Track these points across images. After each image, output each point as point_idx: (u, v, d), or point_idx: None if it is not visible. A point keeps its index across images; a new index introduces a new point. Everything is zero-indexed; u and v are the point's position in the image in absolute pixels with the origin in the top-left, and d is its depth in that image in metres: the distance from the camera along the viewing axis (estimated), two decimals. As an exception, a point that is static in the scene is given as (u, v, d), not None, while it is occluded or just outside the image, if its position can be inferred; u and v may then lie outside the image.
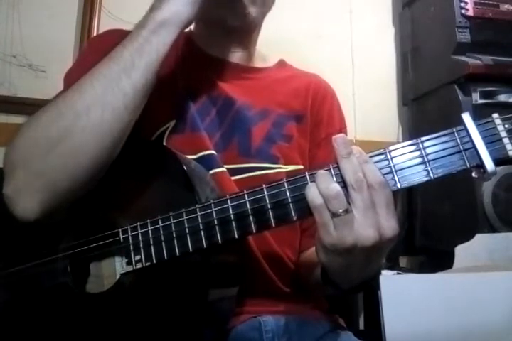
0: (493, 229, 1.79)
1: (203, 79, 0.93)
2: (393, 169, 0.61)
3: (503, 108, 1.96)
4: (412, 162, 0.61)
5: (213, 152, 0.86)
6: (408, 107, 2.41)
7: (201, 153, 0.85)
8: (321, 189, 0.61)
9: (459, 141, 0.60)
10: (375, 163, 0.61)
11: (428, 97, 2.25)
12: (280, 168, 0.90)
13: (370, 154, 0.62)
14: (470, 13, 2.04)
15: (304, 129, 0.97)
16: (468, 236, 1.56)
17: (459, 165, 0.59)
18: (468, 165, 0.59)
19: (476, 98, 1.97)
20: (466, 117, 0.60)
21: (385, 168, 0.61)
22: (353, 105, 2.02)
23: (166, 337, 0.69)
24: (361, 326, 1.56)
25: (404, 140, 2.38)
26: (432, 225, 2.10)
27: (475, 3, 2.05)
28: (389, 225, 0.60)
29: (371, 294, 1.33)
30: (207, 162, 0.84)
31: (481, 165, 0.59)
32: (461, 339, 1.26)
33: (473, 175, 0.60)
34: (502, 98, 1.98)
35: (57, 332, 0.73)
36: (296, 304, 0.89)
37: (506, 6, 2.08)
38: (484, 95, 1.98)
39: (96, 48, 0.92)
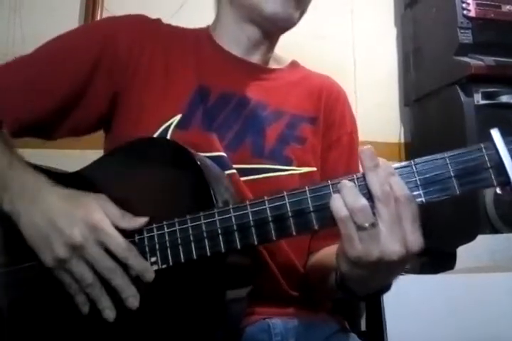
0: (495, 230, 1.78)
1: (219, 77, 0.93)
2: (419, 183, 0.61)
3: (505, 109, 1.96)
4: (438, 177, 0.60)
5: (223, 154, 0.85)
6: (410, 108, 2.41)
7: (209, 154, 0.84)
8: (347, 202, 0.60)
9: (486, 158, 0.59)
10: (400, 175, 0.61)
11: (430, 98, 2.24)
12: (293, 170, 0.90)
13: (395, 166, 0.62)
14: (472, 13, 2.04)
15: (317, 131, 0.97)
16: (470, 238, 1.56)
17: (486, 182, 0.59)
18: (495, 183, 0.59)
19: (478, 99, 1.97)
20: (495, 133, 0.59)
21: (410, 182, 0.61)
22: (355, 105, 2.02)
23: (179, 338, 0.69)
24: (363, 327, 1.55)
25: (406, 141, 2.39)
26: (434, 226, 2.09)
27: (477, 4, 2.05)
28: (415, 239, 0.60)
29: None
30: (216, 164, 0.83)
31: (508, 183, 0.58)
32: (463, 340, 1.26)
33: (498, 191, 0.60)
34: (504, 99, 1.97)
35: (68, 331, 0.73)
36: (304, 307, 0.89)
37: (508, 6, 2.07)
38: (486, 96, 1.97)
39: (87, 38, 0.92)
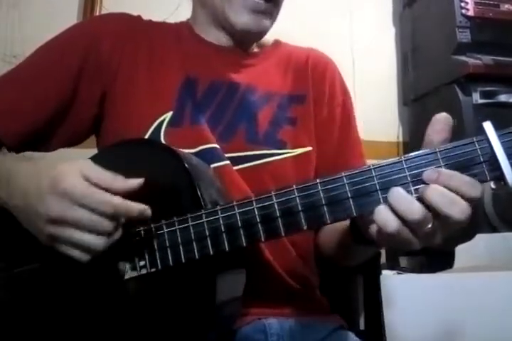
0: (493, 229, 1.79)
1: (205, 67, 0.93)
2: (409, 179, 0.58)
3: (504, 108, 1.96)
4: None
5: (215, 145, 0.85)
6: (408, 107, 2.41)
7: (201, 147, 0.84)
8: (399, 211, 0.56)
9: (479, 152, 0.57)
10: (389, 172, 0.59)
11: (428, 97, 2.25)
12: (287, 152, 0.89)
13: (384, 162, 0.59)
14: (470, 13, 2.04)
15: (307, 109, 0.96)
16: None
17: (479, 177, 0.57)
18: (488, 178, 0.57)
19: (477, 98, 1.98)
20: (488, 127, 0.56)
21: (401, 178, 0.59)
22: (354, 105, 2.02)
23: (171, 339, 0.69)
24: (361, 326, 1.56)
25: (404, 140, 2.39)
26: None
27: (475, 3, 2.05)
28: (467, 196, 0.55)
29: (372, 294, 1.33)
30: (208, 156, 0.82)
31: (501, 178, 0.56)
32: (461, 339, 1.26)
33: (492, 186, 0.58)
34: (502, 98, 1.98)
35: (60, 334, 0.73)
36: (301, 305, 0.89)
37: (507, 6, 2.08)
38: (484, 95, 1.98)
39: (76, 39, 0.92)
